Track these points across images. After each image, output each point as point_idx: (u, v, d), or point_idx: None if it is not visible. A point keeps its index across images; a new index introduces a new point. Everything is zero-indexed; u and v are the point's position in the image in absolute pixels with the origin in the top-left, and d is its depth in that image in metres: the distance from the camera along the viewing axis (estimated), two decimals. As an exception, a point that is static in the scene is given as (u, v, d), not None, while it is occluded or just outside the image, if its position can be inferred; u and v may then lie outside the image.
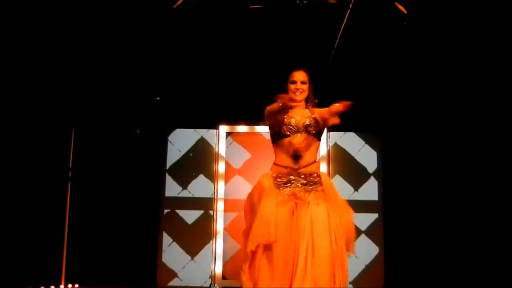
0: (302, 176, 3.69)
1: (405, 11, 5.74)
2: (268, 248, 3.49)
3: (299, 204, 3.59)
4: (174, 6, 5.90)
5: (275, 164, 3.81)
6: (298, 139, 3.71)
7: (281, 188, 3.66)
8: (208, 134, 8.37)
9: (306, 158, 3.73)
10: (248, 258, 3.50)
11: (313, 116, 3.80)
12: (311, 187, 3.67)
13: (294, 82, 3.83)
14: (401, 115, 8.03)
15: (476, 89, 7.24)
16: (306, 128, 3.75)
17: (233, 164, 8.27)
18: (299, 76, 3.85)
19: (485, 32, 6.28)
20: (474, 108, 7.41)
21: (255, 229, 3.51)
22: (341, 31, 6.19)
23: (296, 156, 3.71)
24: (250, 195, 3.84)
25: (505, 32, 6.16)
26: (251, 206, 3.75)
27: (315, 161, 3.79)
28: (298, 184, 3.67)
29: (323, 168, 7.90)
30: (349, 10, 5.89)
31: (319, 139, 3.85)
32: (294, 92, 3.82)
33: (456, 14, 6.03)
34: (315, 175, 3.73)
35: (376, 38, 6.68)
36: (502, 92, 6.92)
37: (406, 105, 7.70)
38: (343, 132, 8.36)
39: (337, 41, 6.40)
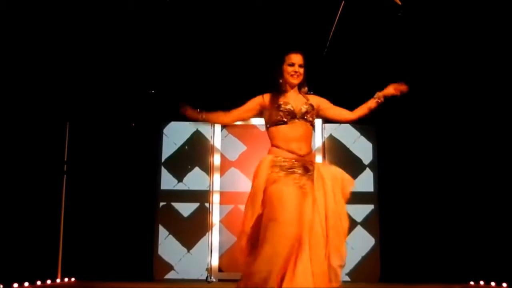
0: (304, 164, 3.55)
1: (399, 2, 5.73)
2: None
3: (303, 193, 3.48)
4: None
5: (276, 146, 3.61)
6: (298, 129, 3.57)
7: (287, 174, 3.49)
8: (203, 126, 8.35)
9: (307, 146, 3.61)
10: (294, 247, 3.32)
11: (309, 103, 3.66)
12: (309, 175, 3.53)
13: (292, 65, 3.64)
14: (396, 107, 8.01)
15: (470, 83, 7.25)
16: (303, 115, 3.61)
17: (228, 156, 8.27)
18: (297, 58, 3.66)
19: (480, 25, 6.28)
20: (469, 100, 7.42)
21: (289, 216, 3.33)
22: (335, 22, 6.17)
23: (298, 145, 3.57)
24: (255, 182, 3.55)
25: (498, 23, 6.17)
26: (254, 194, 3.50)
27: (312, 149, 3.69)
28: (299, 172, 3.51)
29: (319, 159, 7.91)
30: (343, 2, 5.87)
31: (313, 126, 3.72)
32: (292, 76, 3.64)
33: (450, 4, 6.02)
34: (310, 162, 3.60)
35: (371, 30, 6.67)
36: (494, 87, 6.93)
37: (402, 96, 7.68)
38: (338, 124, 8.36)
39: (331, 32, 6.39)
